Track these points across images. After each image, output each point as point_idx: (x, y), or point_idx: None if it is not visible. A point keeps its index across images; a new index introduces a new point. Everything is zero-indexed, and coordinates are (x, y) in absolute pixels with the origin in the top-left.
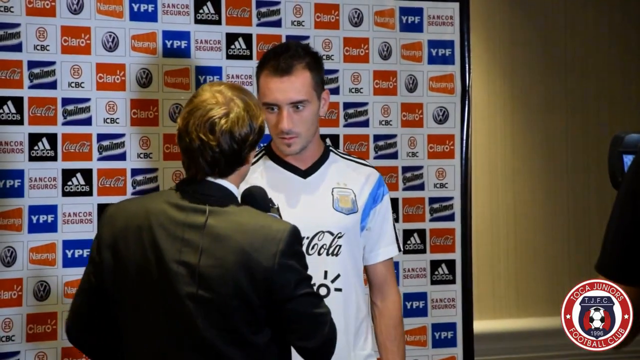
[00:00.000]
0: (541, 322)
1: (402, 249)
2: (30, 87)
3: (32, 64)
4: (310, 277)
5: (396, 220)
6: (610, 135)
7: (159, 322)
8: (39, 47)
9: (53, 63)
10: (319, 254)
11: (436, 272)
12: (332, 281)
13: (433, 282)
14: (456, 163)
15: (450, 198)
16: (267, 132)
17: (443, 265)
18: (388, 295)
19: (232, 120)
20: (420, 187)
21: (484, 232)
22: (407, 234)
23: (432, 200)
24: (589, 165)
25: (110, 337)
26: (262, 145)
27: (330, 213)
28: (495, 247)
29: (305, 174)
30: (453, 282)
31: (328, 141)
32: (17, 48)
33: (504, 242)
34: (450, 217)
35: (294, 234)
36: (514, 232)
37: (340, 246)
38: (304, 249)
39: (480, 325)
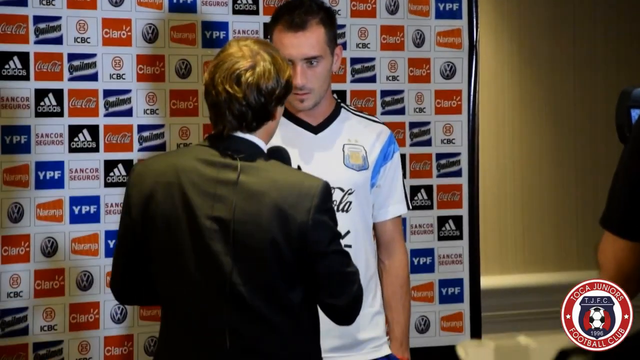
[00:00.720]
0: (548, 277)
1: (410, 207)
2: (36, 43)
3: (37, 19)
4: (340, 235)
5: (403, 176)
6: (618, 89)
7: (194, 278)
8: (44, 2)
9: (59, 18)
10: None
11: (443, 228)
12: (342, 237)
13: (440, 238)
14: (463, 119)
15: (458, 154)
16: None
17: (450, 221)
18: (395, 254)
19: (259, 73)
20: (428, 142)
21: (491, 188)
22: (414, 190)
23: (439, 156)
24: (597, 119)
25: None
26: None
27: (341, 169)
28: (503, 203)
29: (316, 129)
30: (460, 238)
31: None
32: (23, 3)
33: (511, 198)
34: (458, 173)
35: (327, 190)
36: (521, 188)
37: (350, 202)
38: None
39: (487, 281)
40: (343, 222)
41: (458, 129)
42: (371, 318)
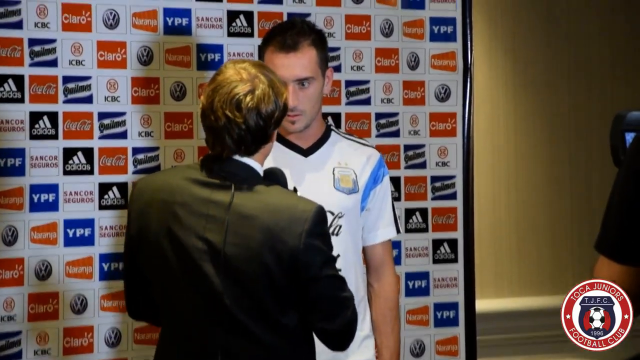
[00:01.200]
0: (544, 300)
1: (400, 231)
2: (31, 65)
3: (32, 42)
4: (335, 259)
5: (398, 199)
6: (613, 112)
7: (186, 298)
8: (39, 25)
9: (54, 41)
10: None
11: (438, 251)
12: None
13: (435, 261)
14: (458, 141)
15: (452, 176)
16: None
17: (445, 244)
18: (385, 277)
19: (259, 97)
20: (422, 165)
21: (486, 211)
22: (409, 212)
23: (434, 178)
24: (592, 143)
25: None
26: None
27: (332, 192)
28: (498, 226)
29: (306, 152)
30: (455, 261)
31: (330, 120)
32: (18, 25)
33: (506, 221)
34: (452, 196)
35: (320, 214)
36: (516, 211)
37: (340, 226)
38: None
39: (482, 304)
40: (333, 245)
41: (453, 152)
42: (360, 342)
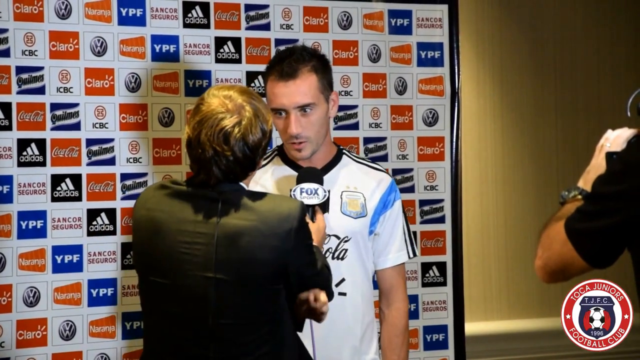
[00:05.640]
0: (532, 323)
1: (412, 255)
2: (19, 93)
3: (20, 69)
4: (312, 244)
5: None
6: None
7: (176, 309)
8: (27, 52)
9: (41, 68)
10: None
11: (427, 275)
12: (337, 285)
13: (424, 285)
14: (446, 165)
15: (441, 200)
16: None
17: (434, 268)
18: (393, 302)
19: (245, 127)
20: (411, 189)
21: (474, 234)
22: None
23: (423, 202)
24: (579, 166)
25: None
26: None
27: (337, 217)
28: (486, 249)
29: None
30: (444, 284)
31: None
32: (5, 53)
33: (494, 244)
34: (441, 220)
35: (302, 209)
36: (505, 234)
37: (346, 250)
38: None
39: (471, 327)
40: (338, 269)
41: (441, 176)
42: None
